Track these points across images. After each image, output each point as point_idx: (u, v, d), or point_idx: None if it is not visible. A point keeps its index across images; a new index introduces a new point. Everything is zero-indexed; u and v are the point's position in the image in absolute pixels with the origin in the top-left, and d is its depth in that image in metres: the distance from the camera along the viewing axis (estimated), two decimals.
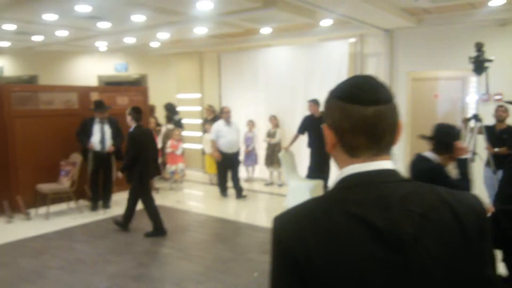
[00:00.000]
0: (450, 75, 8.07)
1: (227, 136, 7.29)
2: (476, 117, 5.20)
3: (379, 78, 1.04)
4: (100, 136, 6.60)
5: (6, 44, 9.01)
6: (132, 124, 5.54)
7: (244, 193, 7.51)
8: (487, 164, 5.57)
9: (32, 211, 6.42)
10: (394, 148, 1.07)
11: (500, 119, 5.68)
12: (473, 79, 7.94)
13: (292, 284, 0.91)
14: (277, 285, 0.94)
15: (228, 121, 7.38)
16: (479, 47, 5.06)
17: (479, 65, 5.06)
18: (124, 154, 5.89)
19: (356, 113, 0.96)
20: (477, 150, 5.30)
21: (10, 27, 7.06)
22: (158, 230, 5.52)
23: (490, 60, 5.02)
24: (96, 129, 6.60)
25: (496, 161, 5.32)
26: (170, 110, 9.33)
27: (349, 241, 0.87)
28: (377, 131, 0.96)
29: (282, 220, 0.97)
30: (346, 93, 1.00)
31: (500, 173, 4.98)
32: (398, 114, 1.01)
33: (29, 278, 4.24)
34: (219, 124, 7.42)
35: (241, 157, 8.07)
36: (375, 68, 7.76)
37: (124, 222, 5.74)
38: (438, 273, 0.88)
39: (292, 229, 0.93)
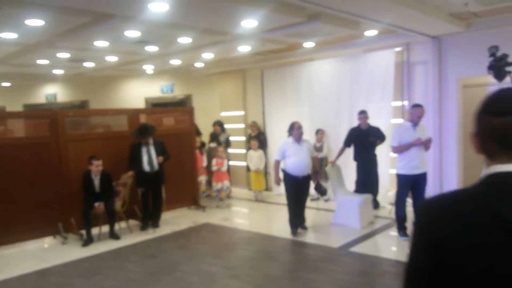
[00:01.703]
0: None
1: (296, 155, 6.03)
2: None
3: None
4: (147, 158, 6.75)
5: (59, 71, 9.51)
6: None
7: (306, 223, 6.53)
8: None
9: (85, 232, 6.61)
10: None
11: None
12: None
13: (423, 259, 1.11)
14: (411, 257, 1.15)
15: (298, 139, 6.14)
16: (493, 51, 4.87)
17: (499, 71, 4.84)
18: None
19: (486, 122, 1.11)
20: None
21: (64, 55, 7.45)
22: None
23: (510, 64, 4.80)
24: (143, 152, 6.77)
25: None
26: (221, 126, 9.41)
27: (483, 230, 1.02)
28: (507, 139, 1.07)
29: (426, 204, 1.16)
30: (482, 104, 1.15)
31: None
32: None
33: None
34: (288, 141, 6.19)
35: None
36: (423, 76, 7.52)
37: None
38: None
39: (432, 213, 1.12)
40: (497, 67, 4.84)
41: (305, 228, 6.46)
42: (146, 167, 6.75)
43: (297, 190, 6.14)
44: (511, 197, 1.03)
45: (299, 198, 6.25)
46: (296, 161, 6.03)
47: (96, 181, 6.35)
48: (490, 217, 1.01)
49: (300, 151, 6.06)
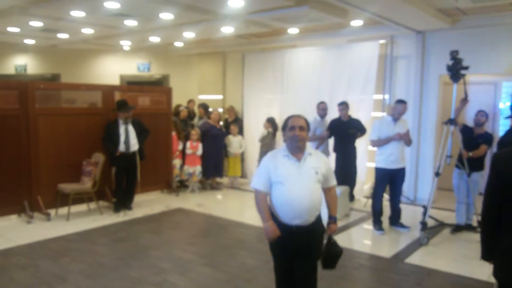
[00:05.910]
0: (482, 79, 7.72)
1: (288, 184, 2.96)
2: (451, 121, 5.46)
3: None
4: (125, 137, 6.50)
5: (31, 41, 9.03)
6: None
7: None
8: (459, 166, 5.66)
9: (52, 212, 6.33)
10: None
11: (478, 123, 5.67)
12: (506, 84, 7.62)
13: (494, 183, 2.29)
14: (488, 182, 2.32)
15: (296, 150, 3.01)
16: (454, 55, 5.26)
17: (455, 73, 5.27)
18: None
19: None
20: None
21: (37, 24, 7.02)
22: None
23: (465, 68, 5.22)
24: (121, 131, 6.51)
25: (470, 165, 5.49)
26: (205, 109, 9.10)
27: None
28: None
29: (499, 152, 2.37)
30: None
31: (474, 176, 5.52)
32: None
33: (50, 281, 4.11)
34: (276, 153, 3.09)
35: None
36: (405, 71, 7.50)
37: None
38: None
39: (500, 157, 2.30)
40: (455, 70, 5.27)
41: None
42: (121, 147, 6.50)
43: (291, 254, 3.15)
44: None
45: (291, 268, 3.20)
46: (287, 195, 2.97)
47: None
48: None
49: (298, 175, 2.98)
